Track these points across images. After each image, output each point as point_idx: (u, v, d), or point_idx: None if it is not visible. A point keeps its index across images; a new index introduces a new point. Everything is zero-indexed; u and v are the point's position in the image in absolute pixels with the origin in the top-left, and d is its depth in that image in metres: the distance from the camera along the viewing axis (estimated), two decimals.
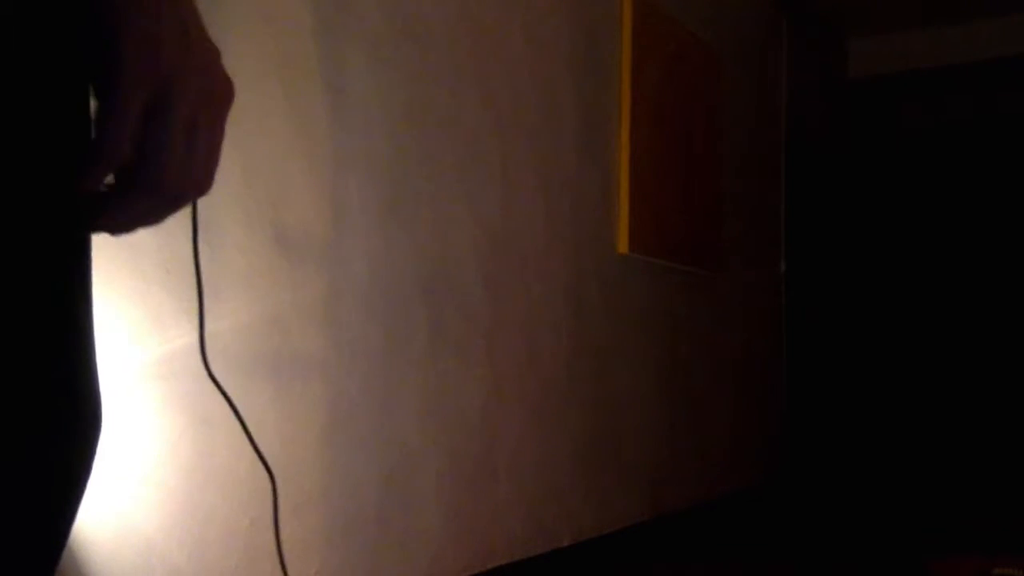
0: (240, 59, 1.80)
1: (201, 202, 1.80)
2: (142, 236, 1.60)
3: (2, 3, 0.57)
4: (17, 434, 0.60)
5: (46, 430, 0.63)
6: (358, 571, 2.03)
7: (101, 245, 1.59)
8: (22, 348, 0.60)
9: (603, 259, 3.04)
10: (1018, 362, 5.91)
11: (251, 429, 1.79)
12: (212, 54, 0.67)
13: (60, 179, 0.60)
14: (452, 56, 2.37)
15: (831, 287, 5.42)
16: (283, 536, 1.85)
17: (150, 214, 0.66)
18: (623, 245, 3.11)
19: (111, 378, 1.55)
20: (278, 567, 1.83)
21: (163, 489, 1.63)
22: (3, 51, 0.57)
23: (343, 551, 1.99)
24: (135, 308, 1.59)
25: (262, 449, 1.81)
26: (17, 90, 0.58)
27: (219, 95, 0.68)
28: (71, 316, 0.65)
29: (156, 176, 0.62)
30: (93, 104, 0.62)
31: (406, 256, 2.20)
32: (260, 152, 1.84)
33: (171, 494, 1.64)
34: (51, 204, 0.61)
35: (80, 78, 0.62)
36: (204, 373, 1.70)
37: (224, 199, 1.76)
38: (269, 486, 1.83)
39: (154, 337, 1.62)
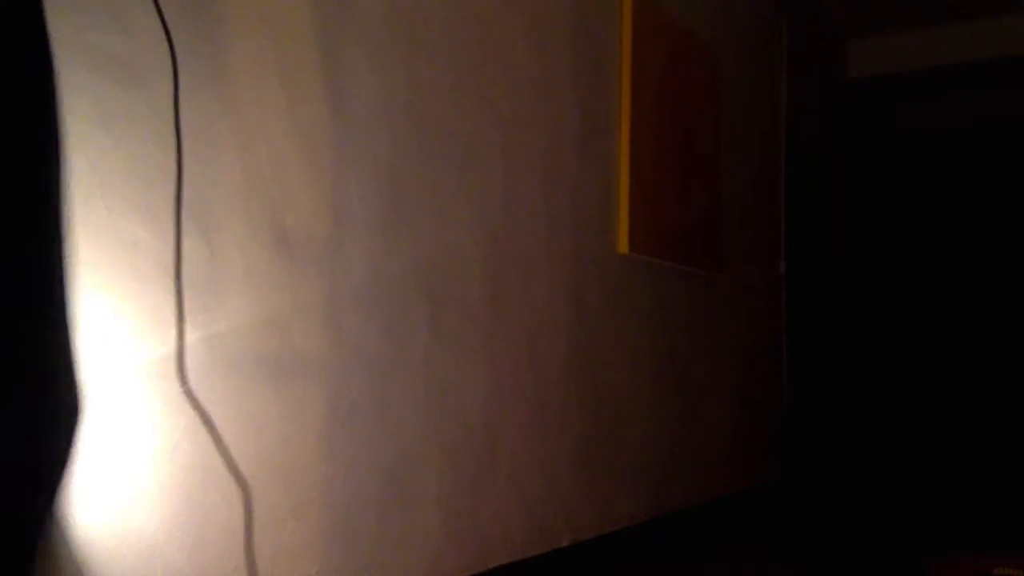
0: (240, 59, 1.80)
1: (201, 202, 1.81)
2: (142, 236, 1.60)
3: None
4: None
5: (27, 421, 0.63)
6: (358, 571, 2.03)
7: (102, 246, 1.59)
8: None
9: (603, 259, 3.04)
10: (1018, 362, 5.91)
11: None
12: None
13: (32, 177, 0.60)
14: (452, 56, 2.37)
15: (831, 287, 5.42)
16: (284, 536, 1.85)
17: None
18: (623, 245, 3.11)
19: (112, 378, 1.54)
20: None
21: (163, 489, 1.63)
22: None
23: (343, 551, 1.99)
24: (135, 308, 1.59)
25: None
26: None
27: None
28: (47, 311, 0.65)
29: None
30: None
31: (406, 256, 2.20)
32: (260, 152, 1.84)
33: (171, 494, 1.64)
34: (22, 201, 0.61)
35: (48, 73, 0.61)
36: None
37: (224, 199, 1.76)
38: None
39: (154, 337, 1.62)
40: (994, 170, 6.32)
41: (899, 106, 6.46)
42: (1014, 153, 6.23)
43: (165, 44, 1.63)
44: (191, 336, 1.68)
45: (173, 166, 1.66)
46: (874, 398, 5.91)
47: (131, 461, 1.58)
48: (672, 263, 3.45)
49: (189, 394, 1.67)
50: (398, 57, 2.19)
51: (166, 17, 1.61)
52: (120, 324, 1.57)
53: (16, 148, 0.62)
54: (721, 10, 4.00)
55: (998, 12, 5.19)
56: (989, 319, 6.16)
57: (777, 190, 4.63)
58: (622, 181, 3.11)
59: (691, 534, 3.47)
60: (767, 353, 4.47)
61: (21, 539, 0.67)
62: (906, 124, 6.55)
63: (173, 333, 1.65)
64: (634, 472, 3.20)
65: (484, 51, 2.50)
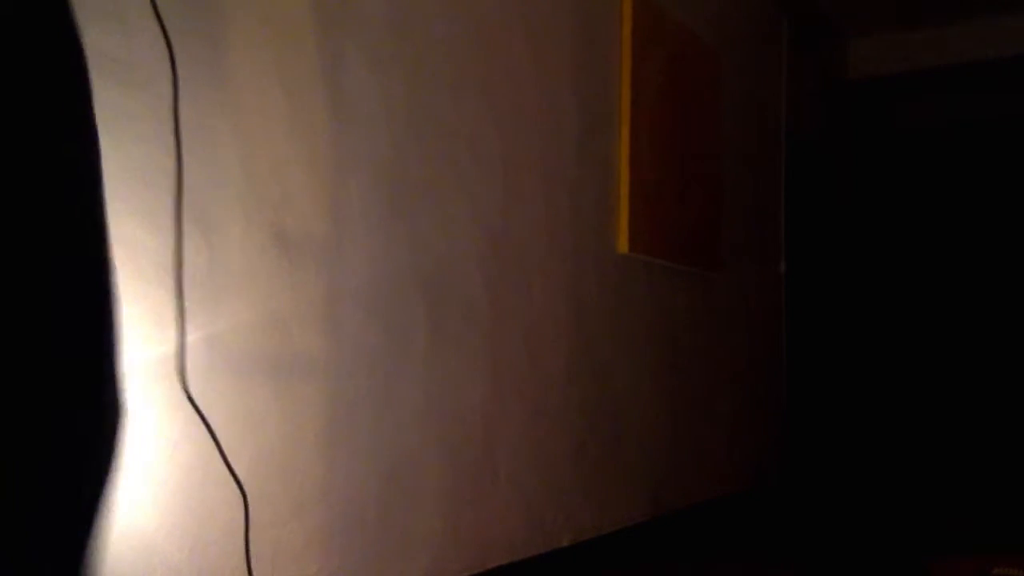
0: (240, 59, 1.80)
1: (201, 203, 1.81)
2: (142, 236, 1.60)
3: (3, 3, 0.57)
4: (49, 430, 0.61)
5: (76, 425, 0.63)
6: (358, 571, 2.03)
7: None
8: (48, 349, 0.60)
9: (603, 259, 3.04)
10: (1018, 362, 5.91)
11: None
12: None
13: (77, 181, 0.60)
14: (452, 56, 2.37)
15: (831, 287, 5.42)
16: (283, 536, 1.85)
17: None
18: (623, 245, 3.11)
19: None
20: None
21: (163, 489, 1.63)
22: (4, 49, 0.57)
23: (343, 551, 1.99)
24: (135, 308, 1.59)
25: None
26: (17, 93, 0.58)
27: None
28: (98, 316, 0.66)
29: None
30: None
31: (406, 256, 2.20)
32: (260, 152, 1.84)
33: (171, 494, 1.64)
34: (73, 210, 0.61)
35: (81, 77, 0.61)
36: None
37: (224, 199, 1.76)
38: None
39: (154, 337, 1.62)
40: (994, 170, 6.32)
41: (899, 106, 6.46)
42: (1014, 153, 6.23)
43: (164, 45, 1.63)
44: (191, 336, 1.68)
45: (173, 167, 1.66)
46: (874, 398, 5.91)
47: (131, 461, 1.58)
48: (672, 263, 3.45)
49: (189, 394, 1.67)
50: (398, 57, 2.19)
51: (165, 19, 1.61)
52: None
53: (61, 144, 0.62)
54: (721, 10, 4.00)
55: (998, 12, 5.19)
56: (989, 319, 6.16)
57: (777, 190, 4.63)
58: (622, 181, 3.11)
59: (690, 534, 3.47)
60: (767, 353, 4.47)
61: (73, 553, 0.68)
62: (906, 124, 6.55)
63: (173, 333, 1.65)
64: (634, 472, 3.20)
65: (484, 51, 2.50)
